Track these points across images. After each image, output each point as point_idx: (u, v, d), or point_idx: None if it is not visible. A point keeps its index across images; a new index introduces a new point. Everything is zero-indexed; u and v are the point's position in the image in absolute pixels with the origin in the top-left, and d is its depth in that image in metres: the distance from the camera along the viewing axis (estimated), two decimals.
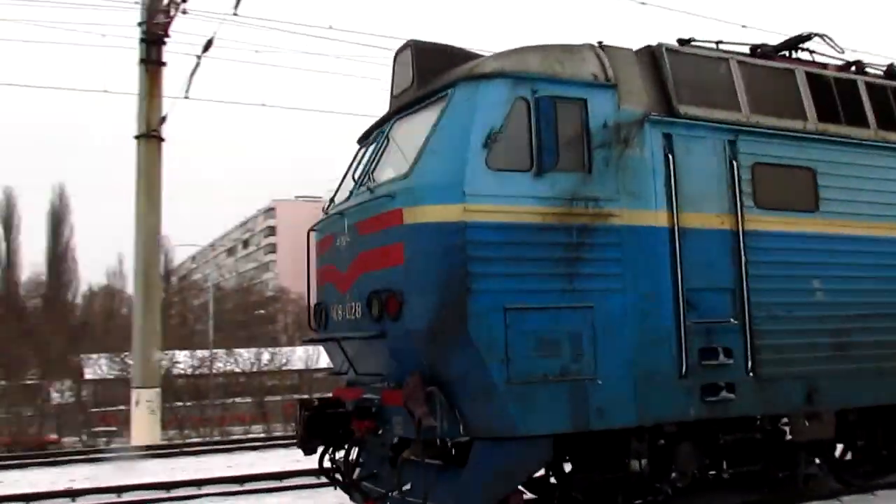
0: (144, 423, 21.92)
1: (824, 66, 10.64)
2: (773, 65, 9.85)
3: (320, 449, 8.67)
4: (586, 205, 8.08)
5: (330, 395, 9.48)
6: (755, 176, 9.05)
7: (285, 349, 44.68)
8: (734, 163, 8.90)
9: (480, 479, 7.64)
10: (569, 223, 7.98)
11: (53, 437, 29.76)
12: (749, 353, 8.72)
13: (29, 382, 38.48)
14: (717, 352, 8.59)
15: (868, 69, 10.90)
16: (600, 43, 8.80)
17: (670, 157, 8.54)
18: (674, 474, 8.58)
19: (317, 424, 8.38)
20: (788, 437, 9.34)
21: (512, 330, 7.63)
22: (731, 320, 8.70)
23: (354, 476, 8.76)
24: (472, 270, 7.57)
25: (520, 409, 7.65)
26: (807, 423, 9.25)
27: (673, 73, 8.86)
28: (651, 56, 8.96)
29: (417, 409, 7.49)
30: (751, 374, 8.72)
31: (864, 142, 9.91)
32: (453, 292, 7.56)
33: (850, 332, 9.37)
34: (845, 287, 9.41)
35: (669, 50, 9.02)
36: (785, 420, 9.29)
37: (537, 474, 9.06)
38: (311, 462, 9.18)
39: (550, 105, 7.98)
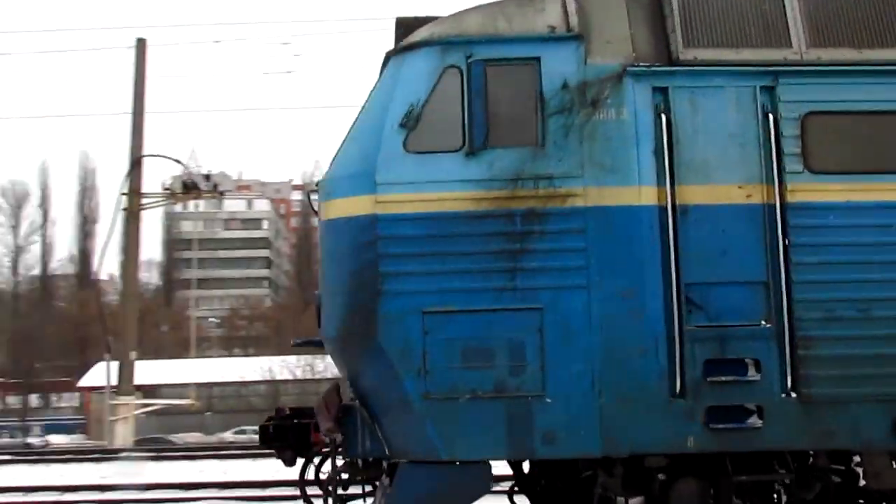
0: None
1: None
2: None
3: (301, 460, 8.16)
4: (535, 185, 6.68)
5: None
6: (808, 131, 6.77)
7: None
8: (771, 116, 6.74)
9: None
10: (511, 209, 6.66)
11: None
12: (789, 366, 6.55)
13: None
14: (736, 364, 6.58)
15: None
16: None
17: (664, 117, 6.72)
18: None
19: (280, 434, 7.89)
20: (862, 482, 6.86)
21: (431, 337, 6.56)
22: (763, 323, 6.60)
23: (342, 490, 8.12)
24: (383, 270, 6.64)
25: (441, 430, 6.55)
26: (895, 465, 6.71)
27: (682, 6, 6.97)
28: None
29: (324, 423, 6.78)
30: (792, 394, 6.54)
31: None
32: (363, 295, 6.70)
33: None
34: None
35: None
36: (857, 460, 6.84)
37: None
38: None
39: (484, 70, 6.74)
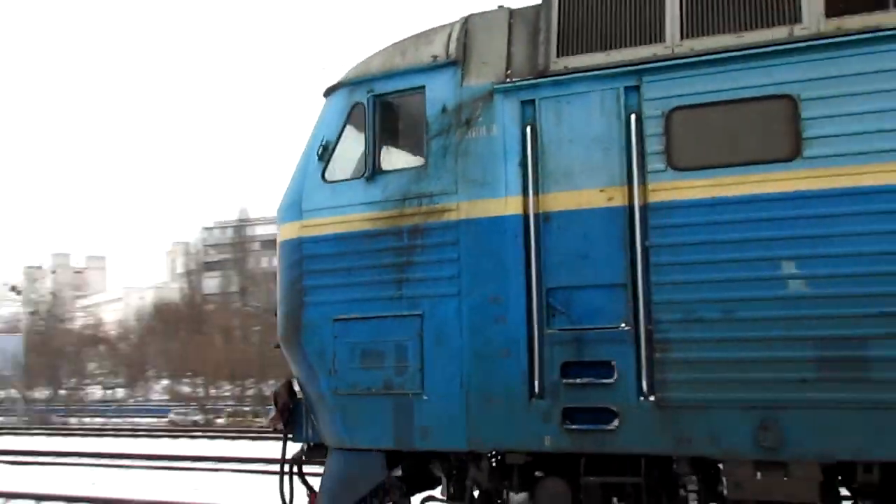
0: None
1: None
2: None
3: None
4: (419, 203, 7.41)
5: None
6: (672, 127, 6.59)
7: None
8: (633, 116, 6.70)
9: (327, 486, 7.80)
10: (399, 226, 7.48)
11: None
12: (646, 369, 6.49)
13: None
14: (593, 367, 6.69)
15: None
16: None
17: (529, 129, 7.03)
18: None
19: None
20: (724, 492, 6.39)
21: (339, 341, 7.65)
22: (622, 325, 6.61)
23: None
24: (305, 284, 7.88)
25: (346, 421, 7.61)
26: (759, 476, 6.21)
27: (559, 19, 7.15)
28: (538, 5, 7.38)
29: (271, 414, 8.18)
30: (649, 397, 6.47)
31: None
32: (293, 305, 8.00)
33: (855, 340, 5.94)
34: (857, 270, 5.99)
35: None
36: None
37: None
38: None
39: (380, 103, 7.64)
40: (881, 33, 6.01)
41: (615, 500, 6.83)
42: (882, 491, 6.15)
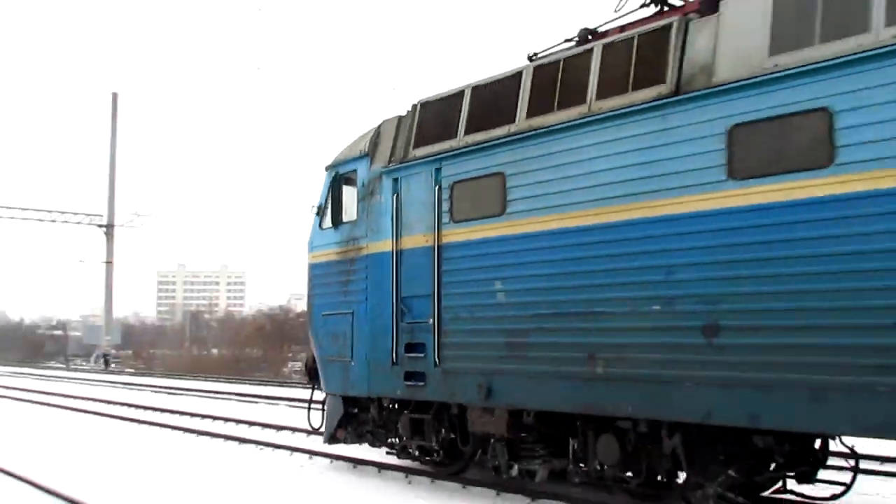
0: None
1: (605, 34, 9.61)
2: (505, 75, 10.16)
3: None
4: (356, 243, 11.99)
5: None
6: (454, 194, 10.43)
7: None
8: (437, 187, 10.65)
9: (326, 414, 12.72)
10: (345, 257, 12.15)
11: None
12: (437, 348, 10.46)
13: None
14: (415, 346, 10.80)
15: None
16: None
17: (396, 196, 11.27)
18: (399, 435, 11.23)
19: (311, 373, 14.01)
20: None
21: (323, 327, 12.56)
22: (429, 320, 10.63)
23: None
24: (312, 292, 12.92)
25: (325, 377, 12.49)
26: (481, 417, 9.87)
27: (418, 123, 11.23)
28: (412, 112, 11.46)
29: (304, 371, 13.32)
30: (438, 366, 10.45)
31: (575, 122, 9.14)
32: (308, 305, 13.06)
33: (527, 332, 9.39)
34: (527, 286, 9.44)
35: (423, 104, 11.27)
36: None
37: None
38: None
39: (337, 180, 12.34)
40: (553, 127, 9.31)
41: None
42: (540, 430, 9.51)
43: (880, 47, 6.71)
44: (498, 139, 9.87)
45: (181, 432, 18.49)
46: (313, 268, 12.93)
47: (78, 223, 55.82)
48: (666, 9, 9.44)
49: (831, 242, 6.91)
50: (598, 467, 9.12)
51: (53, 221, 55.63)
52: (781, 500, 8.97)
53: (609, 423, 8.83)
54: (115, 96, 58.50)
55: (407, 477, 11.73)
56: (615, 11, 9.84)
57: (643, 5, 9.74)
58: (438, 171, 10.62)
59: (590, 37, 9.92)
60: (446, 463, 11.33)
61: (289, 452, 14.70)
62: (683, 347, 7.86)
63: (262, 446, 15.63)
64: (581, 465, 9.41)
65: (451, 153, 10.45)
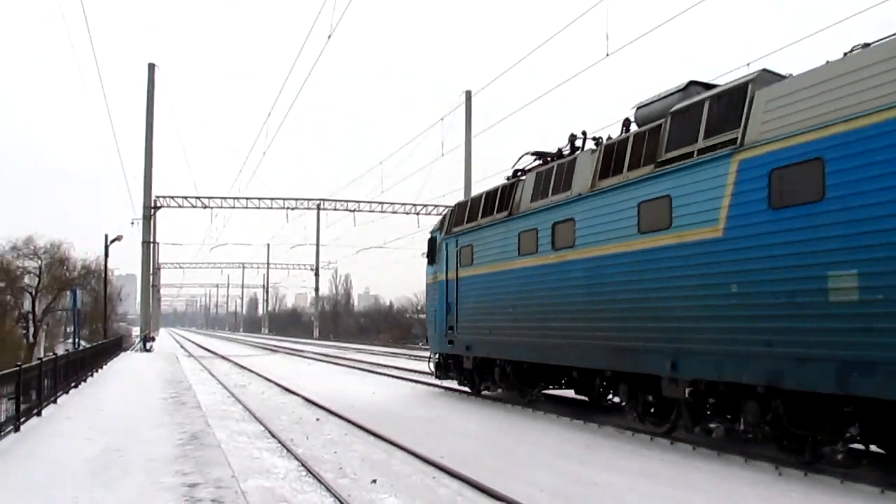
0: None
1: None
2: (501, 185, 20.74)
3: None
4: (436, 275, 23.39)
5: None
6: (460, 252, 21.45)
7: None
8: (456, 249, 21.68)
9: (435, 364, 24.23)
10: (434, 281, 23.64)
11: None
12: (456, 328, 21.53)
13: None
14: (450, 327, 21.93)
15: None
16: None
17: (446, 251, 22.47)
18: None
19: None
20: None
21: (429, 317, 24.16)
22: (455, 314, 21.75)
23: None
24: (426, 299, 24.60)
25: (430, 343, 24.13)
26: (469, 361, 20.89)
27: (452, 215, 22.41)
28: (454, 209, 22.55)
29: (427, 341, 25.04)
30: (456, 336, 21.57)
31: (504, 220, 19.73)
32: (426, 306, 24.75)
33: (489, 317, 20.23)
34: (496, 299, 20.29)
35: (457, 204, 22.41)
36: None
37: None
38: None
39: (432, 240, 23.84)
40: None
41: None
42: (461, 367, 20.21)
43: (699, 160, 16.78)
44: (471, 228, 20.70)
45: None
46: (427, 287, 24.56)
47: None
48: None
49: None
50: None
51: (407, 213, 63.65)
52: None
53: None
54: (151, 67, 54.42)
55: (460, 393, 22.78)
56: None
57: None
58: (456, 241, 21.66)
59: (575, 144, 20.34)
60: (472, 388, 22.28)
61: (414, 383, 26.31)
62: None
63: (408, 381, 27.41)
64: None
65: (459, 232, 21.44)
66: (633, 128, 15.44)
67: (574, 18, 23.77)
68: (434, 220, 29.32)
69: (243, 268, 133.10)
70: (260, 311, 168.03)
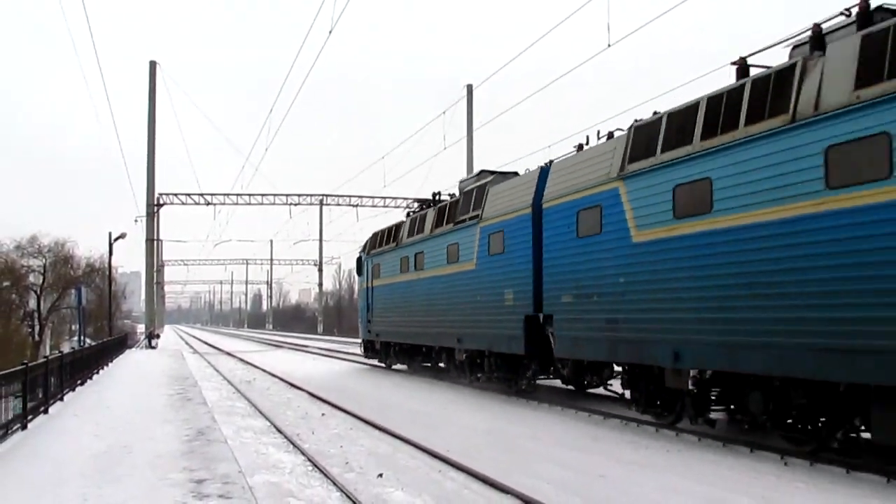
0: None
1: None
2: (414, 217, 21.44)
3: None
4: (362, 284, 23.58)
5: None
6: (373, 268, 22.12)
7: None
8: (371, 266, 21.94)
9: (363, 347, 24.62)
10: (362, 288, 23.89)
11: None
12: (371, 321, 21.61)
13: None
14: (370, 321, 22.05)
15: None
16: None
17: (369, 268, 22.62)
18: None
19: None
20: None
21: (359, 311, 24.37)
22: (372, 311, 21.80)
23: None
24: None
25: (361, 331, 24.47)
26: (382, 342, 20.99)
27: (372, 241, 23.26)
28: (371, 237, 23.05)
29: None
30: (372, 327, 21.84)
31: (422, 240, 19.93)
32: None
33: (399, 313, 20.50)
34: (408, 303, 20.59)
35: (374, 234, 23.41)
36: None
37: None
38: None
39: (359, 259, 24.15)
40: None
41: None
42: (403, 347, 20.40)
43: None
44: (379, 251, 21.37)
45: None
46: (358, 292, 26.46)
47: None
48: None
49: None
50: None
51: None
52: None
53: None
54: (153, 65, 54.30)
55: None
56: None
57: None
58: (371, 259, 22.24)
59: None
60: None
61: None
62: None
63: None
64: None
65: (374, 254, 22.10)
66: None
67: (576, 9, 23.66)
68: None
69: (247, 264, 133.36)
70: (264, 307, 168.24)
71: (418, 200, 28.54)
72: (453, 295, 22.40)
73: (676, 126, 12.99)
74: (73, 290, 51.94)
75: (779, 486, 9.90)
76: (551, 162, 18.05)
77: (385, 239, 28.09)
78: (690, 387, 12.88)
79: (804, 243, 10.38)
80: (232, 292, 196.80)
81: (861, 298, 9.55)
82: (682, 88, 61.95)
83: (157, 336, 60.73)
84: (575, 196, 15.86)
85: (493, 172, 21.87)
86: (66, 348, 33.41)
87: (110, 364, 35.54)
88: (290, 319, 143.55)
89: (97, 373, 29.37)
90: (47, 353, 37.86)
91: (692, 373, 12.76)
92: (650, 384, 14.20)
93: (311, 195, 63.74)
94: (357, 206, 62.56)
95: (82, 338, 47.58)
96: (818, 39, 10.97)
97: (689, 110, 12.73)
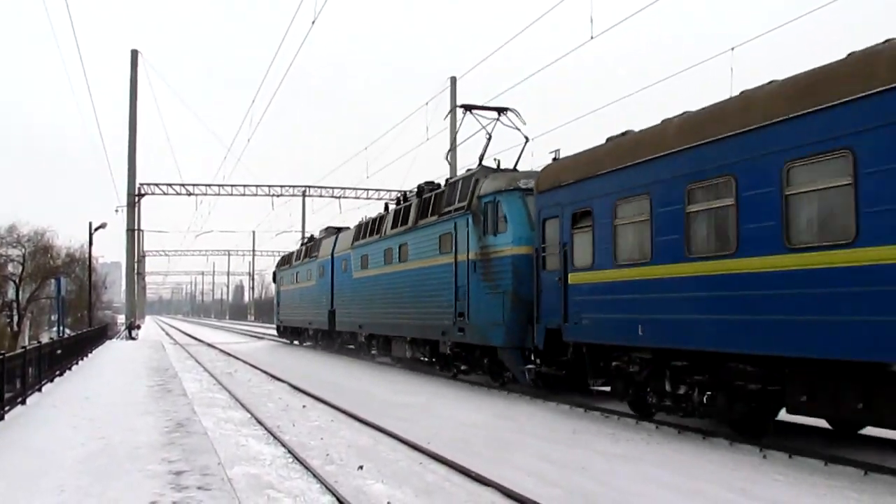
0: None
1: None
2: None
3: None
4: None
5: None
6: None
7: None
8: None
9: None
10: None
11: None
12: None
13: None
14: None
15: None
16: None
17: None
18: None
19: None
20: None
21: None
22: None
23: None
24: None
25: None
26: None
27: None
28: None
29: None
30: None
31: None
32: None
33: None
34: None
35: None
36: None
37: None
38: None
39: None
40: None
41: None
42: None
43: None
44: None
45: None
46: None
47: None
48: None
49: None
50: None
51: None
52: None
53: None
54: (134, 54, 53.27)
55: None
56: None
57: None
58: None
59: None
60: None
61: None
62: None
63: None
64: None
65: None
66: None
67: (558, 1, 23.60)
68: None
69: (229, 255, 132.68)
70: (246, 298, 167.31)
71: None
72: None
73: (372, 226, 28.22)
74: (52, 281, 51.50)
75: (757, 479, 9.95)
76: (339, 230, 35.54)
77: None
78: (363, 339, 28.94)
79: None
80: (214, 283, 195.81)
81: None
82: (664, 81, 61.92)
83: (138, 327, 60.36)
84: (341, 253, 32.04)
85: (338, 229, 36.43)
86: (45, 339, 33.13)
87: (90, 355, 35.27)
88: (273, 311, 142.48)
89: (77, 364, 29.13)
90: (26, 343, 37.53)
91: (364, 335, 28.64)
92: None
93: (294, 186, 63.50)
94: (340, 197, 62.35)
95: (62, 328, 47.21)
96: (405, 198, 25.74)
97: (379, 217, 27.83)
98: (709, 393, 12.34)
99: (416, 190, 24.80)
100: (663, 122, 13.50)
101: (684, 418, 13.27)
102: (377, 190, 61.36)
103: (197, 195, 58.80)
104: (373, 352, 29.71)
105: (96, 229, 49.52)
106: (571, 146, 17.50)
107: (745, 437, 12.15)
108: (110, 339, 54.97)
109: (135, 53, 53.33)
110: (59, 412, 15.76)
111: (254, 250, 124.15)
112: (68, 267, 64.45)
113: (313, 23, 27.27)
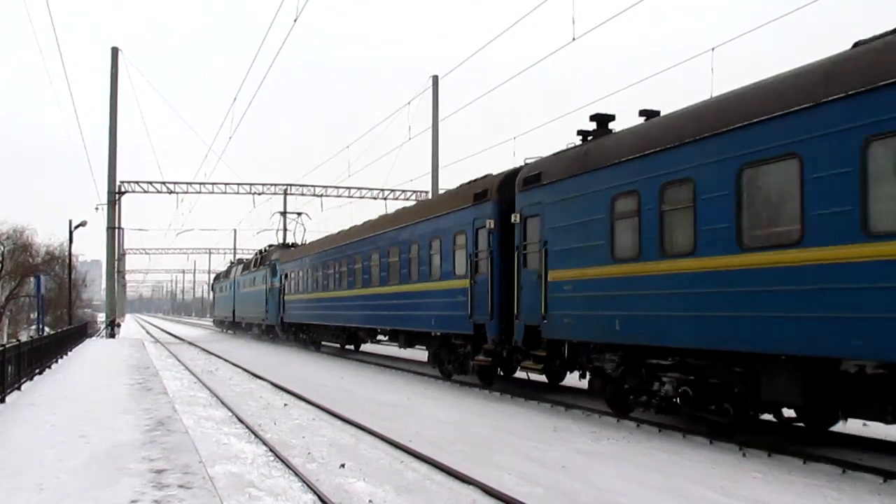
0: None
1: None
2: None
3: None
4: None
5: None
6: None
7: None
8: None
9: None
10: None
11: None
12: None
13: None
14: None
15: None
16: None
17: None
18: None
19: None
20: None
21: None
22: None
23: None
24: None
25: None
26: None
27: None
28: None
29: None
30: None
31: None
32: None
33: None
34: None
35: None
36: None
37: None
38: None
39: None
40: None
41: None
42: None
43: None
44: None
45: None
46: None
47: None
48: None
49: None
50: None
51: None
52: None
53: None
54: (115, 51, 52.39)
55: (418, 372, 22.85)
56: None
57: None
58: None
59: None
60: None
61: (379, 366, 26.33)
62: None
63: None
64: None
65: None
66: None
67: (540, 2, 23.67)
68: (401, 204, 40.44)
69: (209, 253, 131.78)
70: None
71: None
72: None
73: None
74: (31, 279, 51.06)
75: (736, 477, 10.04)
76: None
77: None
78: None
79: None
80: (195, 281, 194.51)
81: None
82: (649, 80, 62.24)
83: (118, 325, 59.90)
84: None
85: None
86: (24, 337, 32.85)
87: (70, 353, 34.99)
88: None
89: (56, 362, 28.89)
90: (4, 341, 37.20)
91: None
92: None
93: (275, 184, 63.10)
94: (322, 195, 62.03)
95: (41, 326, 46.83)
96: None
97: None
98: (682, 389, 12.56)
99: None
100: (619, 132, 14.82)
101: (660, 415, 13.39)
102: (359, 188, 61.18)
103: (178, 193, 58.26)
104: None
105: (76, 227, 49.18)
106: (551, 145, 17.52)
107: (719, 434, 12.26)
108: (90, 337, 54.55)
109: (115, 51, 52.70)
110: (38, 410, 15.64)
111: (235, 249, 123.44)
112: (48, 265, 63.93)
113: (295, 21, 27.20)
